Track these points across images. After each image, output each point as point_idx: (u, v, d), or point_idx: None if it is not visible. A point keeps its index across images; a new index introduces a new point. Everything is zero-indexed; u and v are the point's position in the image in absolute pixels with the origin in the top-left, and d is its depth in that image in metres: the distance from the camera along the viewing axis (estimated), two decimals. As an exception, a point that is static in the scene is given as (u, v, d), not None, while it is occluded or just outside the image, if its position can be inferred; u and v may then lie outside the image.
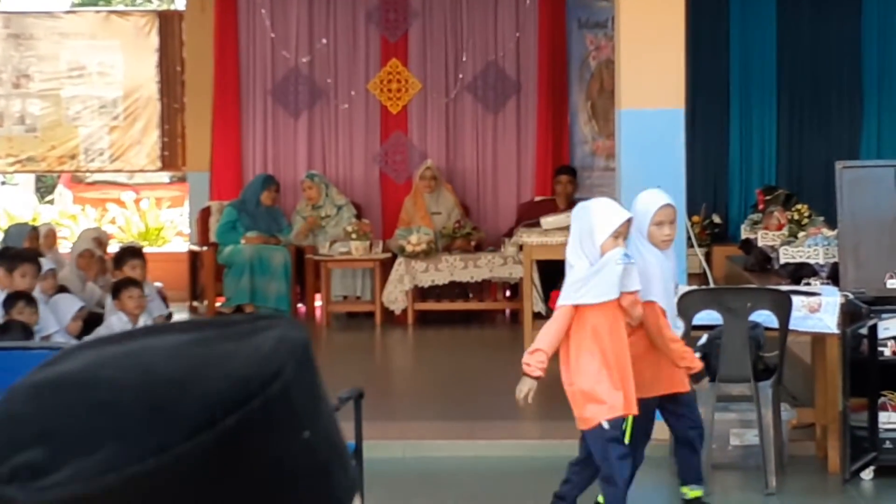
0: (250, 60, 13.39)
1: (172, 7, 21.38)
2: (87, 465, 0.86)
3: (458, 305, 12.17)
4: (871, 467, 6.87)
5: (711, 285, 8.38)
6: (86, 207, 19.05)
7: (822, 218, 9.06)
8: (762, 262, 9.14)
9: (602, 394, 5.52)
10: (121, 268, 9.37)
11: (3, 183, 22.02)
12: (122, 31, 14.15)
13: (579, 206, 5.85)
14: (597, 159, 13.30)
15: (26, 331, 7.42)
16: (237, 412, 0.88)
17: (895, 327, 6.95)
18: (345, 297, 12.56)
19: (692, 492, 6.16)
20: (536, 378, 5.59)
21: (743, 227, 10.76)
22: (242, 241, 12.28)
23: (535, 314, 10.69)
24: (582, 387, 5.57)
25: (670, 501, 6.75)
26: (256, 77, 13.38)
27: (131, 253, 9.76)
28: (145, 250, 10.96)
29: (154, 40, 14.11)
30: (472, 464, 7.31)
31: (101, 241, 11.07)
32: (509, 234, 12.20)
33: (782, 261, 8.46)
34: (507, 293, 12.38)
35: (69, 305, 8.46)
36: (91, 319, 8.61)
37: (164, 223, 18.42)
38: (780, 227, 9.37)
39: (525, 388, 5.63)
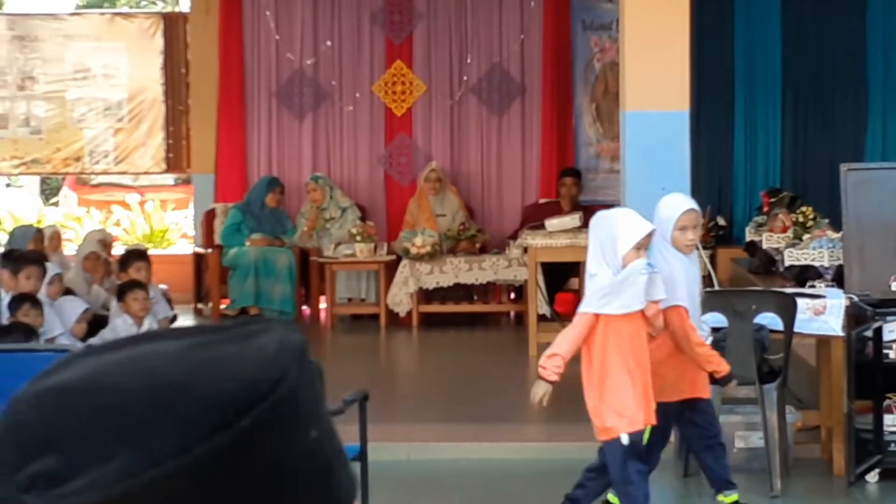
0: (255, 62, 13.40)
1: (177, 9, 21.41)
2: (106, 471, 0.87)
3: (463, 308, 12.16)
4: (876, 470, 6.87)
5: (716, 288, 8.38)
6: (90, 209, 19.07)
7: (826, 220, 9.05)
8: (767, 264, 9.14)
9: (624, 406, 5.51)
10: (126, 270, 9.38)
11: (8, 185, 22.04)
12: (126, 33, 14.16)
13: (599, 215, 5.80)
14: (601, 161, 13.30)
15: (29, 333, 7.41)
16: (250, 413, 0.89)
17: (900, 330, 6.95)
18: (349, 300, 12.57)
19: (727, 498, 6.15)
20: (552, 382, 5.58)
21: (748, 229, 10.76)
22: (247, 244, 12.29)
23: (540, 316, 10.69)
24: (604, 397, 5.55)
25: (673, 502, 6.76)
26: (261, 79, 13.39)
27: (136, 255, 9.77)
28: (150, 252, 10.96)
29: (159, 42, 14.12)
30: (477, 466, 7.31)
31: (105, 242, 11.08)
32: (514, 236, 12.21)
33: (787, 263, 8.46)
34: (512, 295, 12.38)
35: (74, 307, 8.47)
36: (96, 322, 8.62)
37: (169, 225, 18.43)
38: (784, 230, 9.37)
39: (540, 391, 5.62)
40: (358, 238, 12.05)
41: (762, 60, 13.21)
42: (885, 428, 6.89)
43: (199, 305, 12.92)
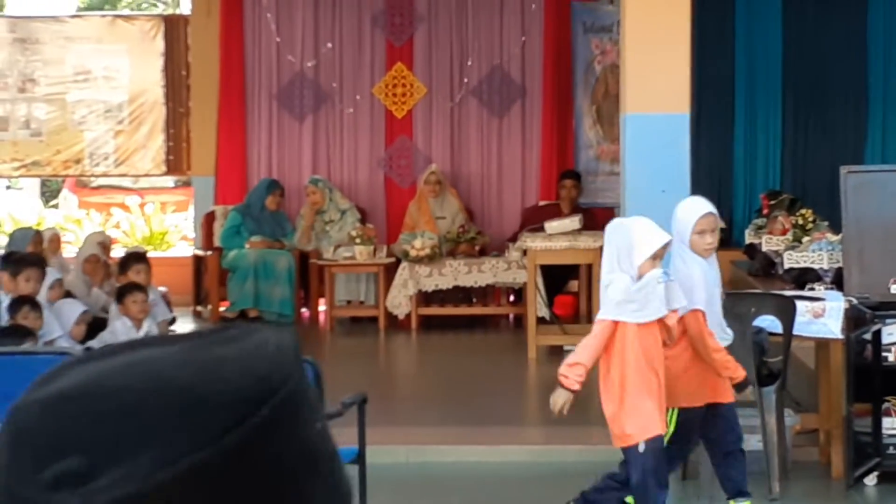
0: (255, 65, 13.40)
1: (178, 11, 21.42)
2: (135, 466, 0.89)
3: (462, 310, 12.15)
4: (875, 473, 6.86)
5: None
6: (90, 212, 19.07)
7: (826, 223, 9.05)
8: (766, 266, 9.13)
9: (643, 413, 5.52)
10: (125, 272, 9.39)
11: (8, 187, 22.05)
12: (127, 35, 14.16)
13: (616, 223, 5.81)
14: (601, 164, 13.30)
15: (24, 335, 7.38)
16: (268, 404, 0.92)
17: (899, 333, 6.94)
18: (349, 302, 12.57)
19: None
20: (574, 391, 5.57)
21: (747, 231, 10.75)
22: (247, 246, 12.29)
23: (539, 319, 10.69)
24: (624, 405, 5.56)
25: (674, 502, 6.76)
26: (262, 81, 13.39)
27: (136, 258, 9.78)
28: (150, 255, 10.97)
29: (160, 45, 14.12)
30: (476, 468, 7.31)
31: (105, 245, 11.08)
32: (513, 238, 12.20)
33: (786, 266, 8.46)
34: (511, 298, 12.38)
35: (72, 310, 8.47)
36: (95, 324, 8.62)
37: (169, 228, 18.43)
38: (784, 232, 9.36)
39: (561, 400, 5.60)
40: (357, 240, 12.05)
41: (762, 63, 13.21)
42: (884, 431, 6.88)
43: (199, 308, 12.92)
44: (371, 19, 13.28)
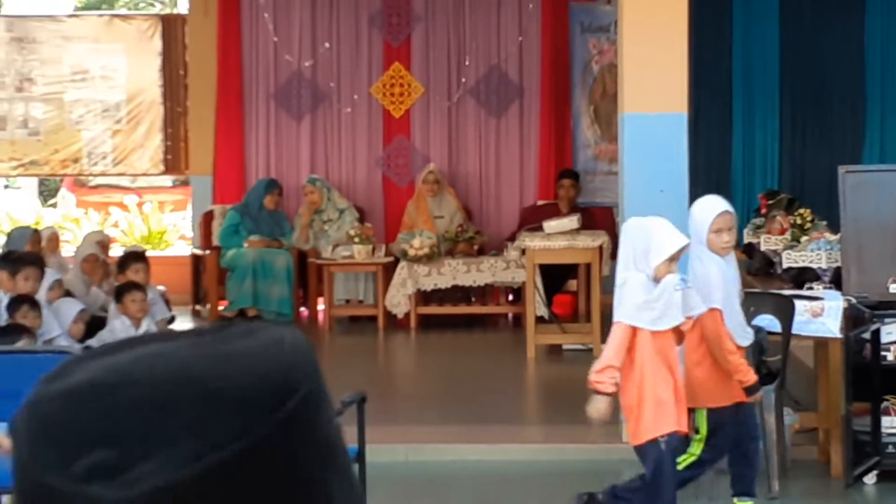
0: (253, 64, 13.40)
1: (175, 11, 21.42)
2: (169, 457, 0.89)
3: (461, 309, 12.16)
4: (874, 472, 6.87)
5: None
6: (89, 211, 19.06)
7: (824, 222, 9.06)
8: (765, 266, 9.14)
9: (658, 410, 5.54)
10: (124, 272, 9.38)
11: (6, 187, 22.04)
12: (125, 34, 14.16)
13: (635, 223, 5.79)
14: (599, 163, 13.31)
15: (20, 333, 7.37)
16: (293, 398, 0.93)
17: (898, 332, 6.95)
18: (347, 301, 12.57)
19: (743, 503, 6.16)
20: (610, 394, 5.57)
21: (746, 231, 10.75)
22: (245, 245, 12.29)
23: (538, 318, 10.69)
24: (642, 402, 5.57)
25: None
26: (259, 81, 13.39)
27: (134, 257, 9.77)
28: (148, 254, 10.96)
29: (157, 44, 14.12)
30: (475, 467, 7.31)
31: (103, 244, 11.08)
32: (512, 238, 12.20)
33: (785, 265, 8.46)
34: (510, 297, 12.39)
35: (71, 308, 8.46)
36: (94, 323, 8.62)
37: (167, 227, 18.43)
38: (782, 232, 9.37)
39: (601, 405, 5.58)
40: (356, 240, 12.05)
41: (760, 62, 13.21)
42: (883, 430, 6.89)
43: (197, 307, 12.92)
44: (368, 19, 13.28)
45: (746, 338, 6.12)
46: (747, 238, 10.46)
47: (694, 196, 7.63)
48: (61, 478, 0.89)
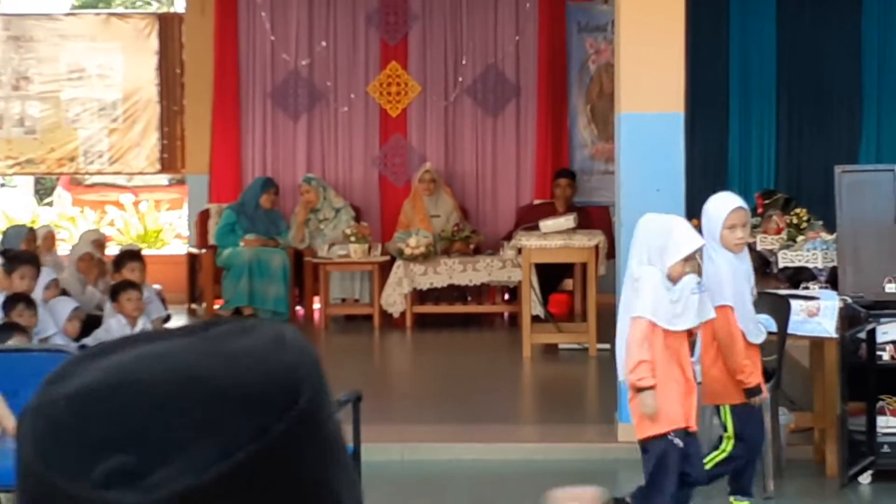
0: (250, 63, 13.40)
1: (172, 10, 21.40)
2: (187, 461, 0.88)
3: (457, 309, 12.16)
4: (869, 471, 6.88)
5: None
6: (85, 210, 19.06)
7: (820, 222, 9.05)
8: (761, 266, 9.13)
9: (668, 408, 5.55)
10: (120, 270, 9.38)
11: (3, 185, 22.03)
12: (121, 33, 14.16)
13: (652, 220, 5.77)
14: (596, 163, 13.31)
15: (12, 331, 7.35)
16: (304, 395, 0.93)
17: (893, 331, 6.96)
18: (343, 300, 12.57)
19: (739, 503, 6.16)
20: (653, 387, 5.56)
21: (742, 230, 10.74)
22: (241, 244, 12.29)
23: (534, 317, 10.69)
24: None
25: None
26: (256, 80, 13.39)
27: (130, 255, 9.77)
28: (144, 253, 10.96)
29: (154, 43, 14.11)
30: (471, 466, 7.32)
31: (99, 243, 11.07)
32: (508, 237, 12.20)
33: (781, 265, 8.46)
34: (506, 296, 12.38)
35: (65, 307, 8.46)
36: (90, 322, 8.61)
37: (163, 225, 18.42)
38: (778, 231, 9.37)
39: (649, 400, 5.54)
40: (352, 239, 12.05)
41: (757, 62, 13.21)
42: (878, 429, 6.90)
43: (193, 306, 12.92)
44: (365, 18, 13.28)
45: (760, 334, 6.12)
46: (743, 238, 10.44)
47: (690, 196, 7.66)
48: (80, 483, 0.88)
